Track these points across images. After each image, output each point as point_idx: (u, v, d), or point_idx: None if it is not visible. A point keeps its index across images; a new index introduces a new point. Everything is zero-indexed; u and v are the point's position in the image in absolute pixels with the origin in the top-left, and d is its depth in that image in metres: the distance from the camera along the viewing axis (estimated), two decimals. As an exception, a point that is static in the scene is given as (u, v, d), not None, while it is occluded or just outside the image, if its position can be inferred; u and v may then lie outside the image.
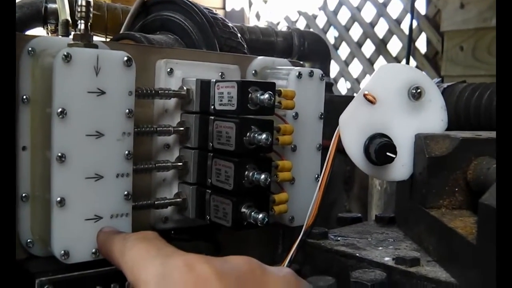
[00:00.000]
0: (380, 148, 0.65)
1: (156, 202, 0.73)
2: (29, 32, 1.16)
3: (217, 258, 0.51)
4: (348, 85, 2.98)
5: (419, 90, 0.68)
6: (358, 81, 2.93)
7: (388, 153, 0.65)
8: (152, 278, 0.50)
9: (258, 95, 0.67)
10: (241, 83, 0.67)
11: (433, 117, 0.70)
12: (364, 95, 0.68)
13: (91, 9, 0.67)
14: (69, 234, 0.62)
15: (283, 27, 1.56)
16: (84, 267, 0.64)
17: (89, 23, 0.66)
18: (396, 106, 0.68)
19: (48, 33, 1.13)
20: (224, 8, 3.62)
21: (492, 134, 0.68)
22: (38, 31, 1.17)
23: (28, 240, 0.65)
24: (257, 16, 3.66)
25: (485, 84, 1.18)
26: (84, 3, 0.66)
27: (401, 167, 0.68)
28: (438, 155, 0.65)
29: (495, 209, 0.46)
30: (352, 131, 0.67)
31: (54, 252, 0.62)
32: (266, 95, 0.66)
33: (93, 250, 0.63)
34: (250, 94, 0.67)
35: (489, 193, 0.49)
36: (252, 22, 3.65)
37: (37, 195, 0.65)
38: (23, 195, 0.65)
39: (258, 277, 0.50)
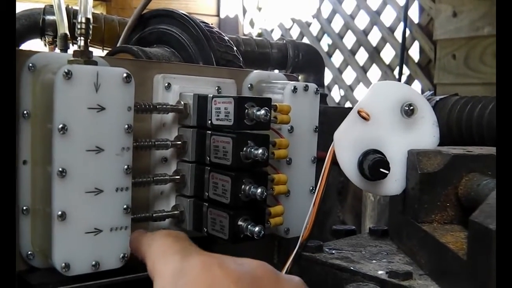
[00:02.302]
0: (374, 164, 0.66)
1: (154, 215, 0.74)
2: (27, 44, 1.17)
3: (234, 259, 0.53)
4: (342, 92, 2.99)
5: (412, 107, 0.70)
6: (351, 88, 2.94)
7: (381, 169, 0.66)
8: (169, 272, 0.52)
9: (255, 111, 0.68)
10: (238, 99, 0.68)
11: (425, 133, 0.71)
12: (358, 112, 0.69)
13: (91, 26, 0.68)
14: (70, 247, 0.63)
15: (278, 38, 1.57)
16: (84, 279, 0.66)
17: (89, 40, 0.67)
18: (389, 123, 0.70)
19: (45, 45, 1.14)
20: (218, 15, 3.63)
21: (483, 150, 0.70)
22: (35, 42, 1.18)
23: (29, 252, 0.66)
24: (251, 24, 3.67)
25: (477, 97, 1.19)
26: (84, 20, 0.68)
27: (394, 182, 0.70)
28: (430, 171, 0.67)
29: (484, 226, 0.47)
30: (346, 147, 0.68)
31: (54, 264, 0.63)
32: (262, 111, 0.68)
33: (93, 263, 0.64)
34: (246, 110, 0.68)
35: (480, 211, 0.50)
36: (246, 29, 3.66)
37: (37, 208, 0.66)
38: (24, 208, 0.66)
39: (272, 282, 0.51)
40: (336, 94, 3.02)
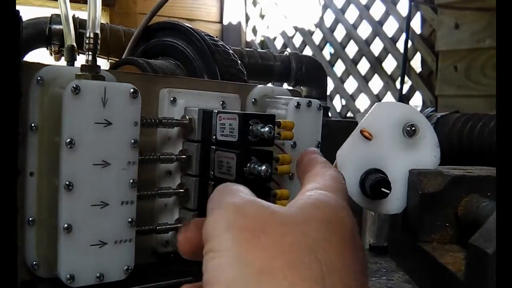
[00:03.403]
0: (375, 184, 0.67)
1: (158, 227, 0.75)
2: (32, 53, 1.18)
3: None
4: (343, 102, 3.00)
5: (413, 128, 0.71)
6: (353, 98, 2.95)
7: (383, 189, 0.67)
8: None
9: (259, 127, 0.69)
10: (243, 116, 0.69)
11: (426, 153, 0.72)
12: (361, 132, 0.70)
13: (99, 41, 0.69)
14: (75, 258, 0.64)
15: (281, 51, 1.59)
16: (88, 291, 0.67)
17: (97, 54, 0.68)
18: (391, 143, 0.71)
19: (51, 54, 1.15)
20: (221, 22, 3.64)
21: (482, 171, 0.71)
22: (41, 51, 1.19)
23: (34, 262, 0.67)
24: (254, 31, 3.68)
25: (478, 115, 1.20)
26: (92, 35, 0.69)
27: (395, 201, 0.71)
28: (430, 191, 0.68)
29: (483, 251, 0.48)
30: (349, 165, 0.69)
31: (60, 275, 0.64)
32: (267, 128, 0.69)
33: (97, 275, 0.65)
34: (251, 126, 0.69)
35: (479, 234, 0.51)
36: (248, 36, 3.67)
37: (43, 219, 0.67)
38: (30, 219, 0.67)
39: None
40: (337, 103, 3.03)
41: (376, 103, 0.73)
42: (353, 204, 1.37)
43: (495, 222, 0.50)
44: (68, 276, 0.64)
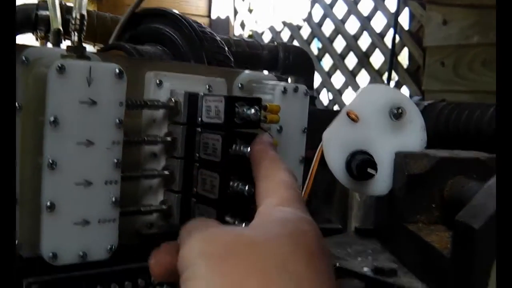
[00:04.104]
0: (361, 164, 0.67)
1: (142, 209, 0.75)
2: (18, 38, 1.17)
3: None
4: (330, 96, 3.00)
5: (400, 111, 0.71)
6: (340, 92, 2.95)
7: (369, 169, 0.67)
8: None
9: (245, 109, 0.68)
10: (228, 98, 0.69)
11: (412, 136, 0.72)
12: (347, 114, 0.70)
13: (85, 22, 0.69)
14: (58, 237, 0.64)
15: (269, 41, 1.59)
16: (70, 269, 0.66)
17: (83, 35, 0.68)
18: (377, 125, 0.71)
19: (37, 39, 1.14)
20: (209, 16, 3.63)
21: (469, 154, 0.71)
22: (26, 37, 1.18)
23: (16, 242, 0.67)
24: (242, 25, 3.68)
25: (464, 103, 1.21)
26: (78, 16, 0.68)
27: (381, 182, 0.71)
28: (416, 173, 0.68)
29: (469, 226, 0.48)
30: (335, 146, 0.69)
31: (42, 254, 0.63)
32: (253, 110, 0.68)
33: (80, 253, 0.65)
34: (237, 109, 0.69)
35: (465, 211, 0.52)
36: (236, 31, 3.67)
37: (25, 200, 0.66)
38: (13, 199, 0.66)
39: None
40: (324, 97, 3.03)
41: (363, 86, 0.73)
42: (341, 187, 1.38)
43: (482, 199, 0.50)
44: (51, 254, 0.63)
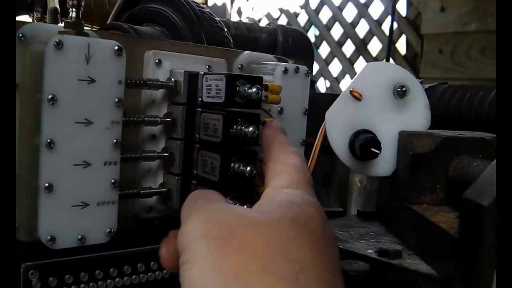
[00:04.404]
0: (365, 144, 0.66)
1: (141, 192, 0.73)
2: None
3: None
4: (328, 84, 2.99)
5: (404, 89, 0.70)
6: (337, 80, 2.95)
7: (372, 149, 0.66)
8: None
9: (246, 88, 0.67)
10: (229, 76, 0.68)
11: (417, 115, 0.72)
12: (351, 92, 0.69)
13: (83, -2, 0.67)
14: (56, 220, 0.62)
15: (267, 23, 1.58)
16: (69, 253, 0.65)
17: (81, 12, 0.66)
18: (381, 104, 0.70)
19: (33, 21, 1.13)
20: (206, 3, 3.62)
21: (474, 134, 0.70)
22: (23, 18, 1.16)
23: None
24: (239, 12, 3.67)
25: (466, 86, 1.20)
26: (76, -8, 0.67)
27: (385, 163, 0.70)
28: (421, 152, 0.67)
29: (477, 203, 0.47)
30: (338, 126, 0.68)
31: (40, 237, 0.62)
32: (254, 89, 0.67)
33: (79, 237, 0.64)
34: (238, 87, 0.68)
35: (472, 189, 0.51)
36: (233, 18, 3.66)
37: (23, 181, 0.65)
38: (10, 180, 0.65)
39: None
40: (322, 85, 3.03)
41: (366, 63, 0.72)
42: (341, 172, 1.37)
43: (489, 177, 0.49)
44: (49, 237, 0.62)
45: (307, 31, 3.16)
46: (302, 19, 3.20)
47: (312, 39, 3.11)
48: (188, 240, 0.44)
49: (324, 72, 3.01)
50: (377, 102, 0.69)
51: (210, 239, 0.43)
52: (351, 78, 2.81)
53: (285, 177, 0.52)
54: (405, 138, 0.68)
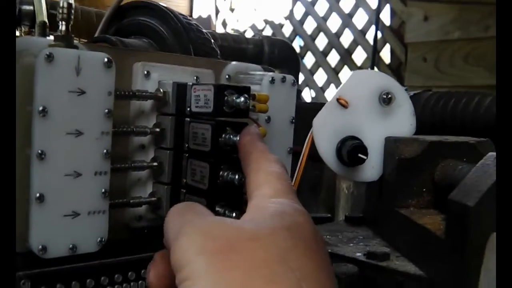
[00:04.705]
0: (352, 150, 0.67)
1: (131, 201, 0.74)
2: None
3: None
4: (313, 93, 3.01)
5: (389, 96, 0.71)
6: (322, 90, 2.96)
7: (359, 155, 0.67)
8: None
9: (234, 98, 0.68)
10: (218, 87, 0.69)
11: (402, 121, 0.73)
12: (337, 99, 0.70)
13: (73, 11, 0.68)
14: (47, 229, 0.63)
15: (254, 34, 1.60)
16: (60, 262, 0.65)
17: (70, 25, 0.67)
18: (367, 111, 0.71)
19: (21, 35, 1.13)
20: (191, 15, 3.63)
21: (458, 138, 0.72)
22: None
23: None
24: (224, 24, 3.68)
25: (450, 92, 1.21)
26: (66, 5, 0.67)
27: (372, 168, 0.71)
28: (407, 157, 0.68)
29: (463, 204, 0.48)
30: (325, 133, 0.69)
31: (31, 247, 0.62)
32: (242, 98, 0.68)
33: (70, 246, 0.64)
34: (226, 97, 0.68)
35: (457, 190, 0.52)
36: (218, 30, 3.67)
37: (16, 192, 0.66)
38: (1, 192, 0.65)
39: None
40: (307, 95, 3.04)
41: (352, 71, 0.73)
42: (328, 179, 1.39)
43: (474, 178, 0.51)
44: (40, 247, 0.62)
45: (292, 41, 3.17)
46: (287, 29, 3.22)
47: (297, 50, 3.12)
48: (185, 256, 0.43)
49: (309, 82, 3.03)
50: (364, 109, 0.71)
51: (209, 254, 0.42)
52: (336, 88, 2.83)
53: (269, 186, 0.52)
54: (392, 144, 0.69)
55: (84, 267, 0.68)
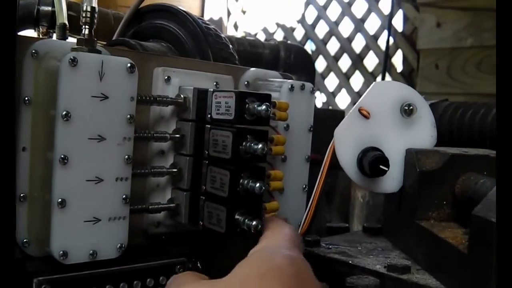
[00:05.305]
0: (374, 161, 0.67)
1: (150, 207, 0.74)
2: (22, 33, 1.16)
3: None
4: (324, 98, 3.01)
5: (411, 107, 0.71)
6: (333, 94, 2.96)
7: (381, 166, 0.67)
8: None
9: (256, 106, 0.68)
10: (240, 94, 0.69)
11: (423, 133, 0.73)
12: (359, 110, 0.70)
13: (96, 15, 0.68)
14: (68, 235, 0.63)
15: (270, 39, 1.60)
16: (81, 268, 0.65)
17: (93, 29, 0.67)
18: (388, 122, 0.71)
19: (39, 35, 1.13)
20: (202, 17, 3.63)
21: (479, 151, 0.72)
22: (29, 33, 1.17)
23: (24, 240, 0.66)
24: (235, 27, 3.68)
25: (467, 103, 1.21)
26: (89, 9, 0.68)
27: (392, 180, 0.71)
28: (428, 169, 0.68)
29: (487, 220, 0.48)
30: (346, 143, 0.69)
31: (52, 252, 0.63)
32: (264, 106, 0.68)
33: (91, 252, 0.64)
34: (247, 105, 0.69)
35: (481, 205, 0.52)
36: (230, 32, 3.67)
37: (35, 196, 0.66)
38: (21, 195, 0.65)
39: None
40: (318, 100, 3.04)
41: (374, 82, 0.73)
42: (342, 187, 1.38)
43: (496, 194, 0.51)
44: (61, 252, 0.63)
45: (303, 45, 3.17)
46: (299, 33, 3.22)
47: (309, 54, 3.12)
48: None
49: (321, 86, 3.03)
50: (385, 120, 0.71)
51: None
52: (347, 93, 2.83)
53: (269, 239, 0.59)
54: (413, 156, 0.69)
55: (104, 273, 0.68)
